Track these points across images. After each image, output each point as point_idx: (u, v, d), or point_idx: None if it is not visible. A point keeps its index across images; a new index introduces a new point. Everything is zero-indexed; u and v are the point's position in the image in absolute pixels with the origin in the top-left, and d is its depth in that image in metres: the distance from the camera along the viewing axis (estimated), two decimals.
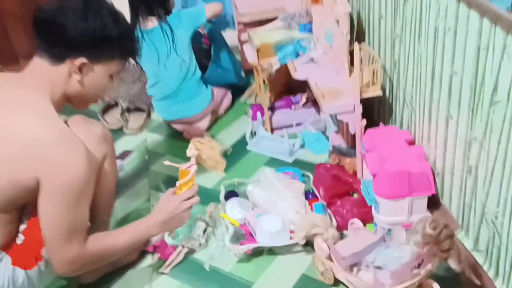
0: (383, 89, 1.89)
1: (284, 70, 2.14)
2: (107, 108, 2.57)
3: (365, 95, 1.77)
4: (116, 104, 2.57)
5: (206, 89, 2.39)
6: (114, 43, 1.40)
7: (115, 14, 1.41)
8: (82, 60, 1.36)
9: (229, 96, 2.57)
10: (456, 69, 1.38)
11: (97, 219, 1.56)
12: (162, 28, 2.18)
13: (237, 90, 2.64)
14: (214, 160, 2.12)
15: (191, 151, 1.57)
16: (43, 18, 1.36)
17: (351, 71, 1.79)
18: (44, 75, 1.37)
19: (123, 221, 1.92)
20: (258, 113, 2.27)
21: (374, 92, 1.79)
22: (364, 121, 1.81)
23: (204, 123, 2.40)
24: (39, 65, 1.37)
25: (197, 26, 2.35)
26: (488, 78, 1.24)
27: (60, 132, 1.33)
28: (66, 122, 1.46)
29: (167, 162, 1.61)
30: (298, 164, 2.11)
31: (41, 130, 1.31)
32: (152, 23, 2.20)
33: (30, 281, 1.43)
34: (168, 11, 2.21)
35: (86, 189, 1.37)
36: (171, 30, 2.12)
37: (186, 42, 2.30)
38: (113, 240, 1.48)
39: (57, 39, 1.35)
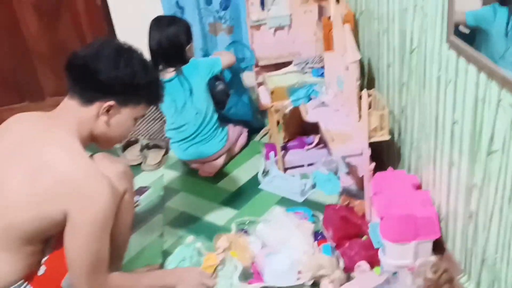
0: (391, 133, 1.95)
1: (298, 112, 2.22)
2: (128, 144, 2.68)
3: (373, 140, 1.83)
4: (136, 141, 2.68)
5: (222, 131, 2.48)
6: (142, 89, 1.50)
7: (145, 63, 1.52)
8: (110, 103, 1.46)
9: (245, 134, 2.65)
10: (457, 118, 1.44)
11: (112, 253, 1.59)
12: (180, 79, 2.32)
13: (253, 129, 2.73)
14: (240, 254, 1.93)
15: (221, 242, 1.82)
16: (77, 63, 1.47)
17: (360, 116, 1.85)
18: (73, 115, 1.47)
19: (137, 256, 1.98)
20: (272, 153, 2.34)
21: (382, 137, 1.84)
22: (373, 165, 1.86)
23: (219, 161, 2.48)
24: (70, 105, 1.47)
25: (213, 74, 2.44)
26: (485, 128, 1.29)
27: (88, 167, 1.41)
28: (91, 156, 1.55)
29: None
30: (309, 204, 2.16)
31: (71, 166, 1.39)
32: (169, 74, 2.34)
33: None
34: (185, 62, 2.34)
35: (109, 222, 1.45)
36: (188, 81, 2.31)
37: (202, 89, 2.40)
38: (135, 281, 1.59)
39: (89, 83, 1.45)
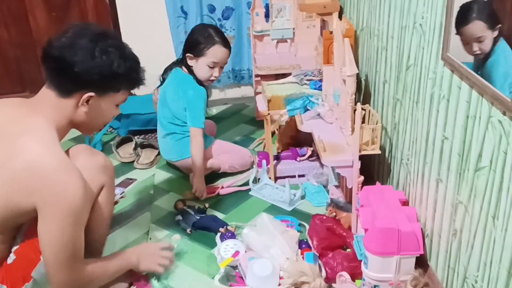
0: (383, 149, 1.97)
1: (293, 124, 2.24)
2: (122, 142, 2.69)
3: (364, 152, 1.85)
4: (130, 139, 2.69)
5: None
6: (121, 77, 1.47)
7: (122, 49, 1.48)
8: (90, 94, 1.43)
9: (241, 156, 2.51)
10: (447, 134, 1.46)
11: (91, 247, 1.60)
12: (176, 74, 2.35)
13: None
14: None
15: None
16: (53, 55, 1.42)
17: (353, 129, 1.87)
18: (51, 105, 1.44)
19: (122, 250, 1.97)
20: (264, 161, 2.36)
21: (373, 150, 1.86)
22: (362, 178, 1.88)
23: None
24: (48, 94, 1.44)
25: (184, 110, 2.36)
26: (474, 145, 1.31)
27: (59, 159, 1.39)
28: (68, 150, 1.54)
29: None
30: (297, 213, 2.17)
31: (41, 156, 1.36)
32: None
33: None
34: (186, 65, 2.35)
35: (81, 215, 1.42)
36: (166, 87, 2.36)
37: (177, 97, 2.36)
38: (104, 269, 1.58)
39: (66, 76, 1.41)
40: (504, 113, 1.16)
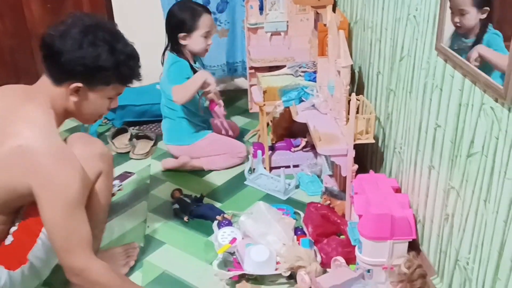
0: (376, 139, 2.02)
1: (288, 115, 2.28)
2: (117, 132, 2.71)
3: (358, 142, 1.90)
4: (126, 130, 2.71)
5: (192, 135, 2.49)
6: (109, 70, 1.47)
7: (113, 43, 1.48)
8: (77, 84, 1.46)
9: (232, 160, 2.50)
10: (440, 123, 1.51)
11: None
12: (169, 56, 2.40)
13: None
14: None
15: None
16: (46, 42, 1.46)
17: (347, 119, 1.92)
18: (47, 92, 1.48)
19: (119, 238, 2.02)
20: (259, 152, 2.40)
21: (367, 139, 1.91)
22: (356, 166, 1.93)
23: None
24: (45, 82, 1.49)
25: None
26: (466, 131, 1.37)
27: (51, 145, 1.42)
28: (66, 138, 1.57)
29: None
30: (292, 202, 2.21)
31: (33, 141, 1.39)
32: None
33: (12, 282, 1.47)
34: (179, 49, 2.39)
35: (77, 201, 1.43)
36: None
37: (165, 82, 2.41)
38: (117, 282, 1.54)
39: (54, 64, 1.45)
40: (496, 100, 1.21)
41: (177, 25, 2.37)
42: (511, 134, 1.16)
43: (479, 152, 1.31)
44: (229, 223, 2.01)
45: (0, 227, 1.49)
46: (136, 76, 1.57)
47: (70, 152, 1.45)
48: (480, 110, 1.29)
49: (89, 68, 1.44)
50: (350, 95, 1.88)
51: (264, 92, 2.30)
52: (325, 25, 2.22)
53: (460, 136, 1.40)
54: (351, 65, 1.93)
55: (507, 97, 1.14)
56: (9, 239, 1.49)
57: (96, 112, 1.59)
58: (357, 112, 1.92)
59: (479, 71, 1.27)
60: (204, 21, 2.37)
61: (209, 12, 2.44)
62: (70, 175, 1.41)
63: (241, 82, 3.24)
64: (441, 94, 1.49)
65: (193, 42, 2.38)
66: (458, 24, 1.34)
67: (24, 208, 1.51)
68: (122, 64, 1.50)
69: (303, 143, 2.47)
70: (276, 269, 1.77)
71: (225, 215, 2.06)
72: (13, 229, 1.50)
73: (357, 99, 1.90)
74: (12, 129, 1.41)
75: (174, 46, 2.41)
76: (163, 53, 2.49)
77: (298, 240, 1.89)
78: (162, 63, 2.48)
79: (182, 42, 2.38)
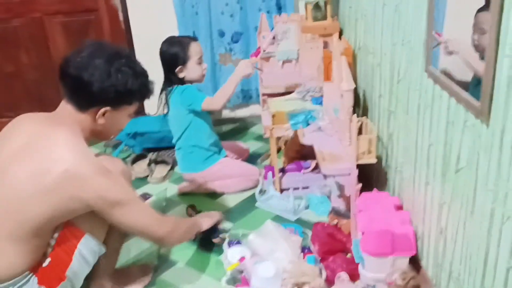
0: (380, 158, 2.09)
1: (298, 139, 2.37)
2: (137, 158, 2.85)
3: (361, 161, 1.97)
4: (144, 156, 2.85)
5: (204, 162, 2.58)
6: (135, 92, 1.62)
7: (134, 67, 1.62)
8: (106, 108, 1.59)
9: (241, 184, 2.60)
10: (432, 141, 1.58)
11: (109, 246, 1.74)
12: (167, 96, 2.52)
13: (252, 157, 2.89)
14: None
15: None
16: (71, 74, 1.56)
17: (351, 140, 2.00)
18: (72, 117, 1.59)
19: (135, 257, 2.12)
20: (270, 173, 2.49)
21: (369, 159, 1.98)
22: (360, 185, 1.99)
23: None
24: (67, 109, 1.59)
25: (188, 108, 2.49)
26: (454, 148, 1.43)
27: (96, 164, 1.55)
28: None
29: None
30: (301, 222, 2.28)
31: (80, 164, 1.51)
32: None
33: None
34: (180, 82, 2.50)
35: (134, 195, 1.67)
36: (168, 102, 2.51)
37: (178, 115, 2.53)
38: (179, 221, 1.93)
39: (84, 94, 1.56)
40: (476, 117, 1.28)
41: (172, 60, 2.48)
42: (489, 148, 1.23)
43: (465, 167, 1.38)
44: (239, 242, 2.09)
45: (39, 251, 1.57)
46: (152, 92, 1.73)
47: (104, 165, 1.58)
48: (464, 126, 1.36)
49: (120, 93, 1.57)
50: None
51: (273, 116, 2.41)
52: (330, 52, 2.33)
53: (449, 152, 1.47)
54: (355, 88, 2.02)
55: (482, 114, 1.22)
56: (46, 261, 1.58)
57: (119, 129, 1.74)
58: (360, 133, 2.00)
59: (462, 90, 1.35)
60: (194, 48, 2.49)
61: (195, 39, 2.59)
62: (119, 182, 1.58)
63: (255, 108, 3.36)
64: (432, 113, 1.57)
65: (190, 71, 2.49)
66: (476, 42, 1.33)
67: (57, 230, 1.59)
68: (144, 84, 1.66)
69: (313, 165, 2.55)
70: (282, 285, 1.83)
71: (221, 236, 2.14)
72: (49, 250, 1.59)
73: (359, 121, 1.98)
74: (53, 155, 1.51)
75: (176, 82, 2.52)
76: (160, 94, 2.55)
77: (304, 257, 1.96)
78: (166, 101, 2.55)
79: (181, 75, 2.49)
